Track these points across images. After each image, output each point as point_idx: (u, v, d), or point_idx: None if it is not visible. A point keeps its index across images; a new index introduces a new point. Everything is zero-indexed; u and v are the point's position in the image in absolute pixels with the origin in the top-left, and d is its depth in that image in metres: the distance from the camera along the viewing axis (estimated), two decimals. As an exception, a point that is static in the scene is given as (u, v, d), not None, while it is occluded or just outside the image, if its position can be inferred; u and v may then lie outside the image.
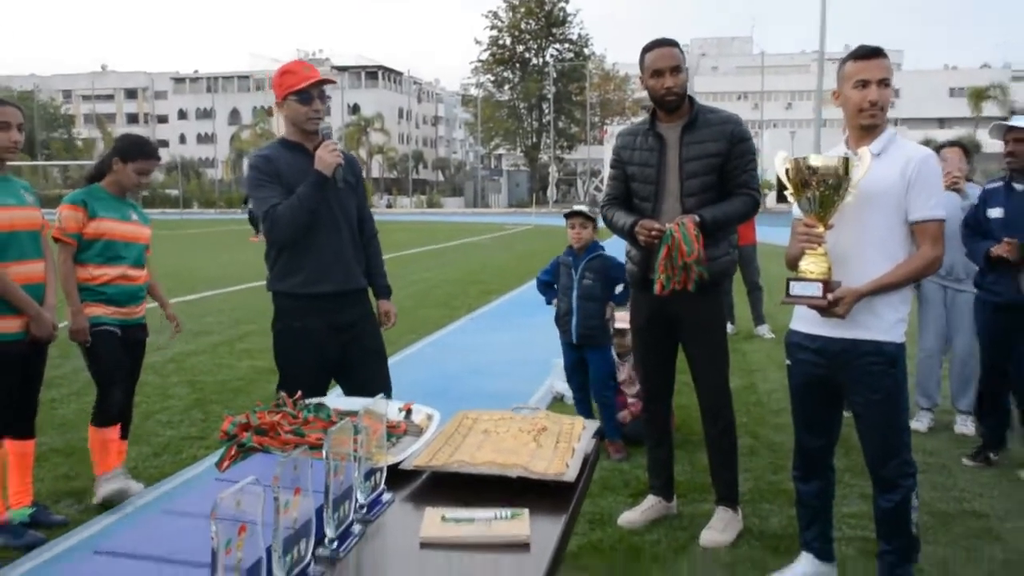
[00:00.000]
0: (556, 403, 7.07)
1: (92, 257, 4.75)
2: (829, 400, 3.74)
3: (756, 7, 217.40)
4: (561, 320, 6.00)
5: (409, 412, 2.86)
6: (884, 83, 3.47)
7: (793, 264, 3.61)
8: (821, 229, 3.35)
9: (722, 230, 4.27)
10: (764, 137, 63.37)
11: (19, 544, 4.36)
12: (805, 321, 3.63)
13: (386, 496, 2.21)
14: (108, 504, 4.87)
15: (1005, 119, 5.50)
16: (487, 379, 7.81)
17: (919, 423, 6.23)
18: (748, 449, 5.75)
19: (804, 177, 3.32)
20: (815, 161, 3.30)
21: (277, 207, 3.88)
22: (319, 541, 1.87)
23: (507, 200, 79.93)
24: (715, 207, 4.17)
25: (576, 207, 6.05)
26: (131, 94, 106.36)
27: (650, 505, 4.62)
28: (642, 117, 4.44)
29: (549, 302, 6.15)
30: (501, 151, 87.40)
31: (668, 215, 4.22)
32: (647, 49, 4.25)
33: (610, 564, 4.09)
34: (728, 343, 4.55)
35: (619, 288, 5.93)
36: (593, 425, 2.72)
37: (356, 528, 2.01)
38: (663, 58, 4.17)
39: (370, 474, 2.14)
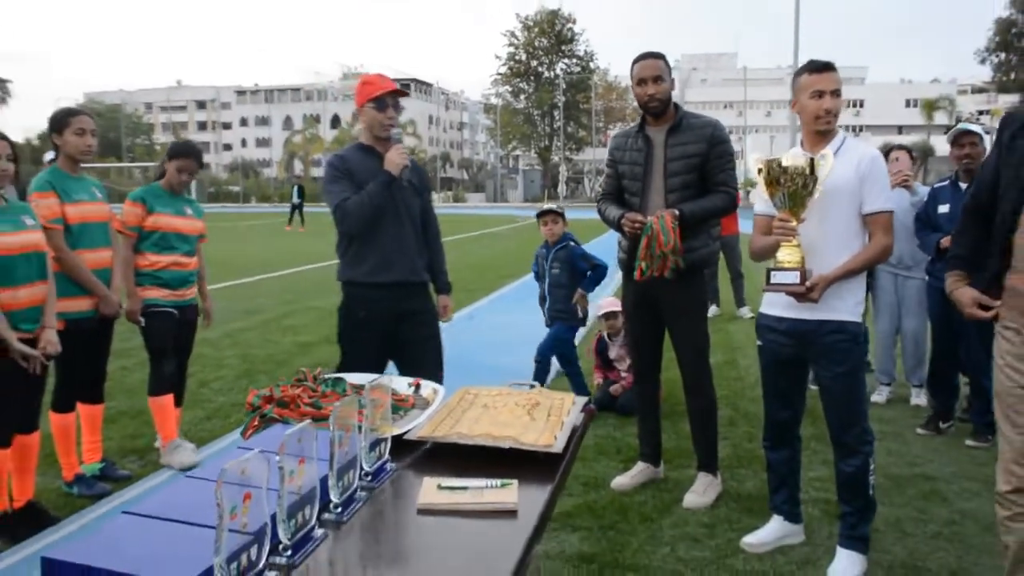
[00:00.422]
0: (560, 375, 6.96)
1: (149, 247, 4.75)
2: (796, 376, 3.67)
3: (740, 25, 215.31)
4: (541, 305, 6.26)
5: (418, 387, 2.77)
6: (836, 93, 3.43)
7: (758, 254, 3.61)
8: (794, 223, 3.30)
9: (701, 223, 4.19)
10: (747, 141, 63.18)
11: (90, 494, 4.43)
12: (773, 305, 3.57)
13: (390, 465, 2.12)
14: (161, 465, 4.86)
15: (953, 127, 5.48)
16: (499, 355, 7.70)
17: (879, 396, 6.16)
18: (728, 419, 5.64)
19: (776, 176, 3.28)
20: (785, 161, 3.28)
21: (347, 200, 3.83)
22: (324, 506, 1.79)
23: (523, 195, 79.73)
24: (694, 202, 4.11)
25: (545, 206, 6.22)
26: (201, 105, 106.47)
27: (639, 470, 4.54)
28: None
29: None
30: (517, 152, 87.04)
31: (653, 209, 4.15)
32: (634, 61, 4.20)
33: (601, 522, 3.99)
34: (708, 325, 4.44)
35: (588, 274, 6.06)
36: (582, 400, 2.63)
37: (360, 495, 1.92)
38: (645, 69, 4.13)
39: (375, 444, 2.05)
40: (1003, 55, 53.08)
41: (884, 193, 3.41)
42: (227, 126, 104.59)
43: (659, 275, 4.02)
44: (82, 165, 4.50)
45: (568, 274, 5.99)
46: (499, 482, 1.97)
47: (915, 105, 71.45)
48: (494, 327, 9.68)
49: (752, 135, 70.56)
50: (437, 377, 3.94)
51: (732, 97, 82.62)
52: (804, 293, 3.29)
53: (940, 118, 66.19)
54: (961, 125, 5.44)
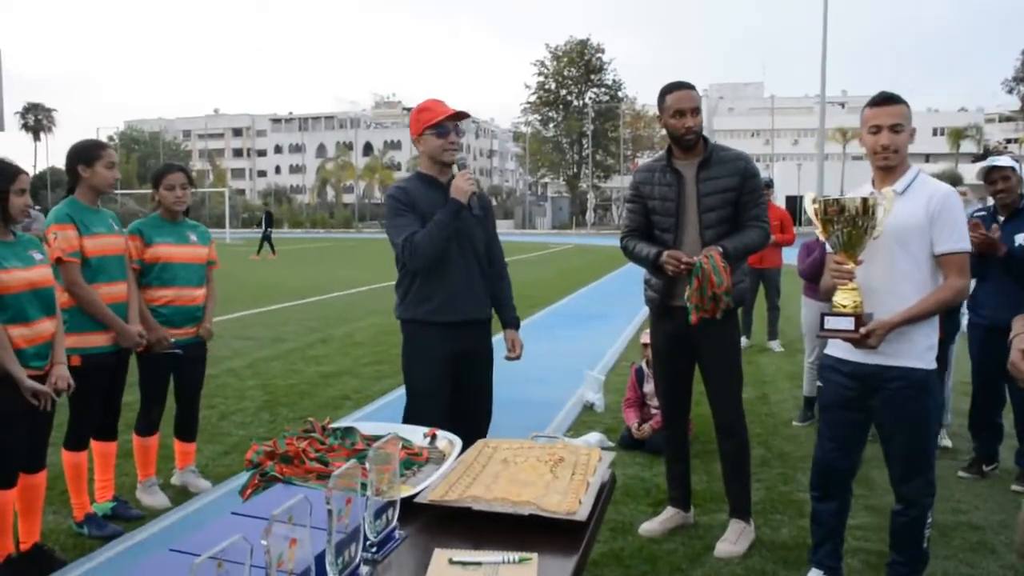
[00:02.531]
0: (586, 411, 6.74)
1: (151, 280, 4.57)
2: (857, 422, 3.42)
3: (767, 55, 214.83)
4: None
5: (434, 438, 2.56)
6: (895, 128, 3.21)
7: (824, 294, 3.39)
8: (851, 265, 3.07)
9: (740, 259, 3.98)
10: (774, 169, 62.70)
11: (101, 535, 4.22)
12: (838, 347, 3.35)
13: (399, 532, 1.91)
14: (177, 500, 4.70)
15: (982, 155, 5.21)
16: (525, 385, 7.44)
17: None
18: (760, 460, 5.37)
19: (831, 216, 3.06)
20: (841, 201, 3.04)
21: (415, 235, 3.57)
22: (323, 588, 1.59)
23: (551, 222, 79.64)
24: (733, 238, 3.89)
25: None
26: (237, 132, 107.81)
27: (669, 515, 4.29)
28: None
29: None
30: (546, 180, 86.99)
31: (689, 245, 3.93)
32: (668, 91, 3.95)
33: (629, 572, 3.75)
34: (742, 363, 4.22)
35: None
36: (609, 456, 2.40)
37: (363, 570, 1.72)
38: (685, 100, 3.89)
39: (382, 510, 1.85)
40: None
41: (957, 232, 3.18)
42: (262, 153, 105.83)
43: (710, 317, 3.80)
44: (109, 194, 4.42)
45: None
46: (517, 556, 1.76)
47: (942, 134, 70.80)
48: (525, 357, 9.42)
49: (779, 163, 70.07)
50: (483, 426, 3.83)
51: (759, 125, 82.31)
52: (860, 339, 3.07)
53: (967, 146, 66.04)
54: (989, 160, 5.14)
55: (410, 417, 3.68)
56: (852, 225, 3.01)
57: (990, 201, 5.23)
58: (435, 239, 3.57)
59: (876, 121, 3.22)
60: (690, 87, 3.96)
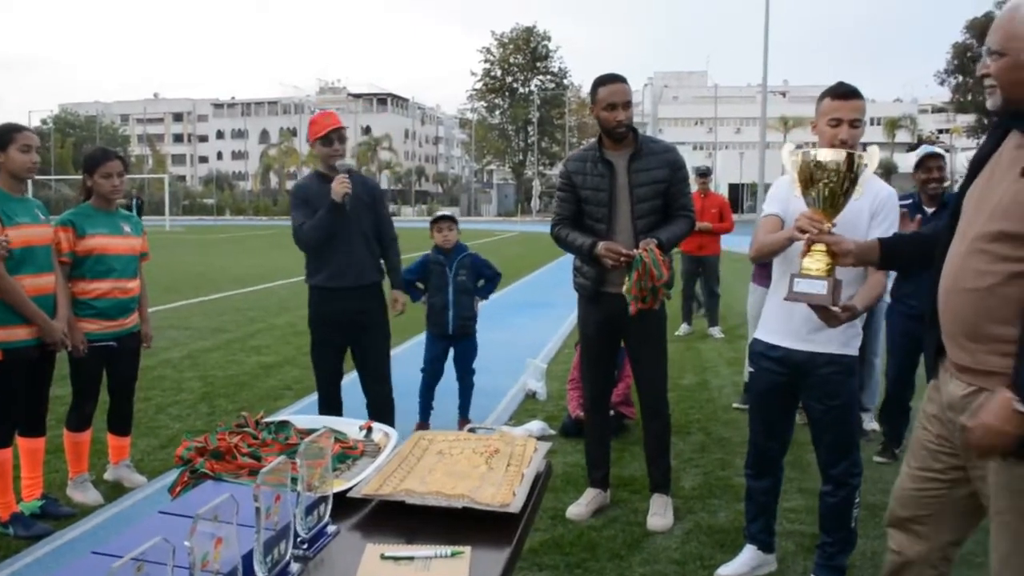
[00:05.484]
0: (528, 399, 6.75)
1: (85, 272, 4.41)
2: (786, 406, 3.52)
3: (711, 43, 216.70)
4: (437, 315, 5.84)
5: (369, 431, 2.54)
6: (855, 124, 3.19)
7: (762, 253, 3.30)
8: (827, 224, 2.76)
9: (671, 249, 4.10)
10: (717, 157, 63.45)
11: (28, 535, 4.06)
12: (768, 332, 3.42)
13: (331, 528, 1.88)
14: (111, 495, 4.58)
15: (915, 145, 5.33)
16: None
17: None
18: (699, 445, 5.44)
19: (811, 172, 2.76)
20: (821, 156, 2.75)
21: (303, 226, 4.60)
22: (250, 585, 1.56)
23: (496, 210, 79.67)
24: (665, 229, 4.00)
25: (441, 211, 6.04)
26: (178, 117, 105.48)
27: (592, 497, 4.39)
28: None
29: (415, 300, 5.75)
30: (492, 167, 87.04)
31: (621, 235, 4.01)
32: (601, 83, 4.00)
33: (568, 560, 3.76)
34: (667, 348, 4.32)
35: (484, 283, 6.01)
36: (545, 447, 2.40)
37: (293, 568, 1.69)
38: (617, 93, 3.96)
39: (314, 506, 1.82)
40: (960, 77, 55.30)
41: (893, 228, 3.23)
42: (203, 139, 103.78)
43: (649, 308, 3.90)
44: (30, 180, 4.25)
45: (473, 281, 5.85)
46: (449, 550, 1.75)
47: (878, 123, 72.21)
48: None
49: (722, 151, 70.94)
50: (385, 364, 4.91)
51: (703, 114, 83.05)
52: (830, 309, 2.80)
53: (902, 136, 67.75)
54: (926, 148, 5.24)
55: (314, 363, 4.92)
56: (833, 183, 2.73)
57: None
58: (315, 229, 4.55)
59: (837, 114, 3.19)
60: (622, 80, 4.01)
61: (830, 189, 2.71)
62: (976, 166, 2.30)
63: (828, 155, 2.70)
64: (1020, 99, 2.12)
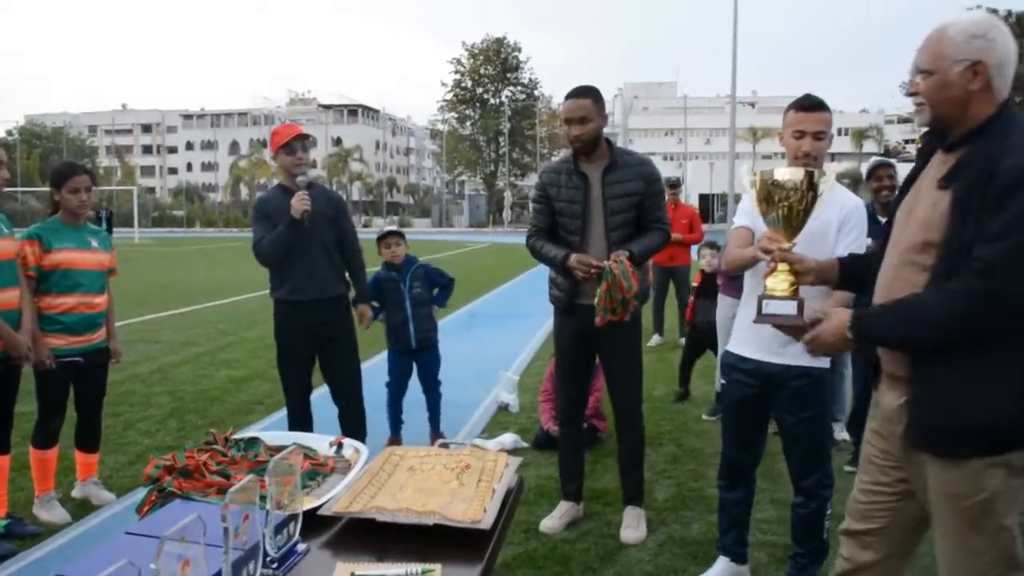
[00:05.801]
0: (501, 412, 6.74)
1: (51, 287, 4.35)
2: (758, 417, 3.53)
3: (680, 56, 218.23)
4: (398, 331, 5.78)
5: (340, 447, 2.53)
6: (819, 136, 3.23)
7: (732, 267, 3.35)
8: (787, 244, 2.71)
9: (644, 261, 4.12)
10: (688, 168, 63.88)
11: None
12: (739, 344, 3.44)
13: (301, 547, 1.87)
14: (78, 513, 4.51)
15: (883, 155, 5.45)
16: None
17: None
18: (671, 457, 5.46)
19: (769, 192, 2.71)
20: (779, 176, 2.69)
21: (262, 240, 4.62)
22: (219, 608, 1.54)
23: (468, 220, 79.76)
24: (639, 242, 4.00)
25: (388, 228, 5.99)
26: (146, 128, 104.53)
27: (565, 510, 4.38)
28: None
29: (373, 318, 5.53)
30: (463, 178, 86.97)
31: (595, 247, 4.02)
32: (565, 97, 4.06)
33: (542, 573, 3.75)
34: (642, 360, 4.33)
35: (439, 291, 5.98)
36: (516, 462, 2.40)
37: (263, 588, 1.67)
38: (570, 110, 4.00)
39: (283, 524, 1.81)
40: None
41: (859, 240, 3.24)
42: (173, 150, 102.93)
43: (618, 320, 3.90)
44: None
45: (428, 292, 5.83)
46: (420, 568, 1.75)
47: (846, 134, 73.18)
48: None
49: (692, 162, 71.43)
50: (353, 378, 4.93)
51: (672, 124, 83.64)
52: (803, 328, 2.67)
53: (869, 146, 68.77)
54: (876, 159, 5.37)
55: (281, 376, 4.89)
56: (793, 201, 2.67)
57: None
58: (274, 244, 4.57)
59: (800, 126, 3.23)
60: (583, 94, 3.99)
61: (789, 208, 2.68)
62: (907, 183, 2.39)
63: (786, 174, 2.67)
64: (947, 116, 2.20)
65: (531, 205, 4.42)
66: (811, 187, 2.64)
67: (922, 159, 2.36)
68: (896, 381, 2.29)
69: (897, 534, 2.42)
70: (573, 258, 3.92)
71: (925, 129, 2.40)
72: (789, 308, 2.64)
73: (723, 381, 3.60)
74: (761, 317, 2.72)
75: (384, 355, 6.05)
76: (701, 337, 6.91)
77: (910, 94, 2.34)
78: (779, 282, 2.70)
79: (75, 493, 4.75)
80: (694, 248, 9.95)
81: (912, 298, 2.16)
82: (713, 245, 6.97)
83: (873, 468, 2.44)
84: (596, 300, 3.88)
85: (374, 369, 7.00)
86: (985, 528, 2.14)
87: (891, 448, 2.35)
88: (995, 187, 2.01)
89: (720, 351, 6.54)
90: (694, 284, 7.11)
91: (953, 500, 2.15)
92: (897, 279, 2.26)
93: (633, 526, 4.20)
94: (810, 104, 3.27)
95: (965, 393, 2.10)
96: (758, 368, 3.36)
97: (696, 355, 7.16)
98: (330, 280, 4.72)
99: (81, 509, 4.60)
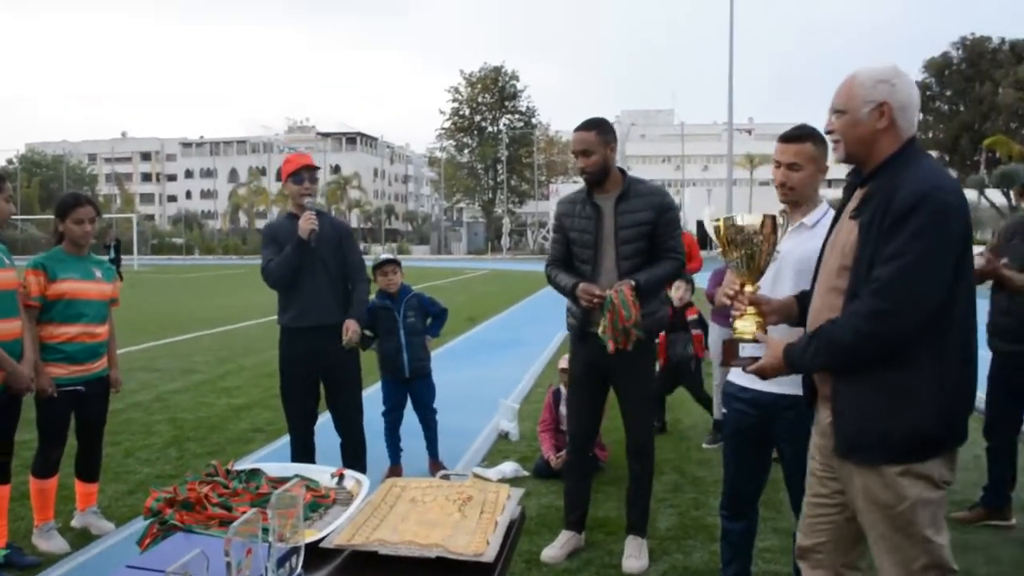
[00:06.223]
0: (501, 440, 6.72)
1: (54, 316, 4.36)
2: (760, 447, 3.51)
3: (677, 83, 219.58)
4: (391, 360, 5.78)
5: (341, 478, 2.52)
6: (792, 167, 3.28)
7: (717, 305, 3.41)
8: (750, 288, 2.75)
9: (654, 291, 4.13)
10: (685, 194, 64.09)
11: None
12: (739, 373, 3.40)
13: (303, 580, 1.86)
14: (78, 543, 4.48)
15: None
16: (439, 415, 7.41)
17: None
18: (673, 485, 5.44)
19: (730, 236, 2.77)
20: (740, 220, 2.76)
21: (270, 263, 4.71)
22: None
23: (466, 247, 79.88)
24: (647, 271, 4.04)
25: (384, 256, 5.99)
26: (146, 156, 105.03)
27: (567, 539, 4.37)
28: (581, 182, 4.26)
29: (366, 347, 5.59)
30: (461, 205, 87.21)
31: (606, 276, 4.08)
32: (574, 131, 4.15)
33: (543, 604, 3.73)
34: (653, 389, 4.34)
35: (432, 320, 5.99)
36: (518, 493, 2.39)
37: (265, 624, 1.66)
38: (575, 143, 4.13)
39: (285, 558, 1.80)
40: (920, 115, 56.59)
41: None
42: (172, 178, 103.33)
43: (623, 348, 3.94)
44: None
45: (422, 321, 5.83)
46: (423, 602, 1.73)
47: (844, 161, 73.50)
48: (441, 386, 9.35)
49: (690, 188, 71.64)
50: (354, 407, 4.96)
51: (670, 151, 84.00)
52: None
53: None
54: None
55: (284, 404, 4.95)
56: (752, 245, 2.74)
57: None
58: (281, 267, 4.66)
59: (777, 157, 3.32)
60: (587, 128, 4.08)
61: (749, 253, 2.73)
62: (836, 215, 2.61)
63: (746, 219, 2.75)
64: (858, 152, 2.42)
65: (550, 236, 4.46)
66: (774, 230, 2.71)
67: (847, 193, 2.55)
68: (825, 399, 2.47)
69: (842, 545, 2.54)
70: (579, 288, 4.00)
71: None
72: (761, 350, 2.68)
73: (724, 410, 3.60)
74: (737, 360, 2.75)
75: (377, 387, 6.03)
76: (673, 371, 6.81)
77: (827, 132, 2.52)
78: (747, 324, 2.73)
79: (74, 523, 4.73)
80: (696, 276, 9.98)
81: (828, 324, 2.35)
82: (685, 279, 6.81)
83: (814, 481, 2.60)
84: (601, 329, 3.93)
85: (371, 398, 6.99)
86: (914, 535, 2.28)
87: (829, 462, 2.50)
88: (890, 216, 2.23)
89: (715, 378, 6.54)
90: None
91: (880, 508, 2.30)
92: (823, 306, 2.45)
93: (635, 555, 4.18)
94: (786, 136, 3.34)
95: (877, 404, 2.27)
96: (756, 397, 3.36)
97: (668, 391, 7.02)
98: (332, 307, 4.74)
99: (80, 539, 4.58)
